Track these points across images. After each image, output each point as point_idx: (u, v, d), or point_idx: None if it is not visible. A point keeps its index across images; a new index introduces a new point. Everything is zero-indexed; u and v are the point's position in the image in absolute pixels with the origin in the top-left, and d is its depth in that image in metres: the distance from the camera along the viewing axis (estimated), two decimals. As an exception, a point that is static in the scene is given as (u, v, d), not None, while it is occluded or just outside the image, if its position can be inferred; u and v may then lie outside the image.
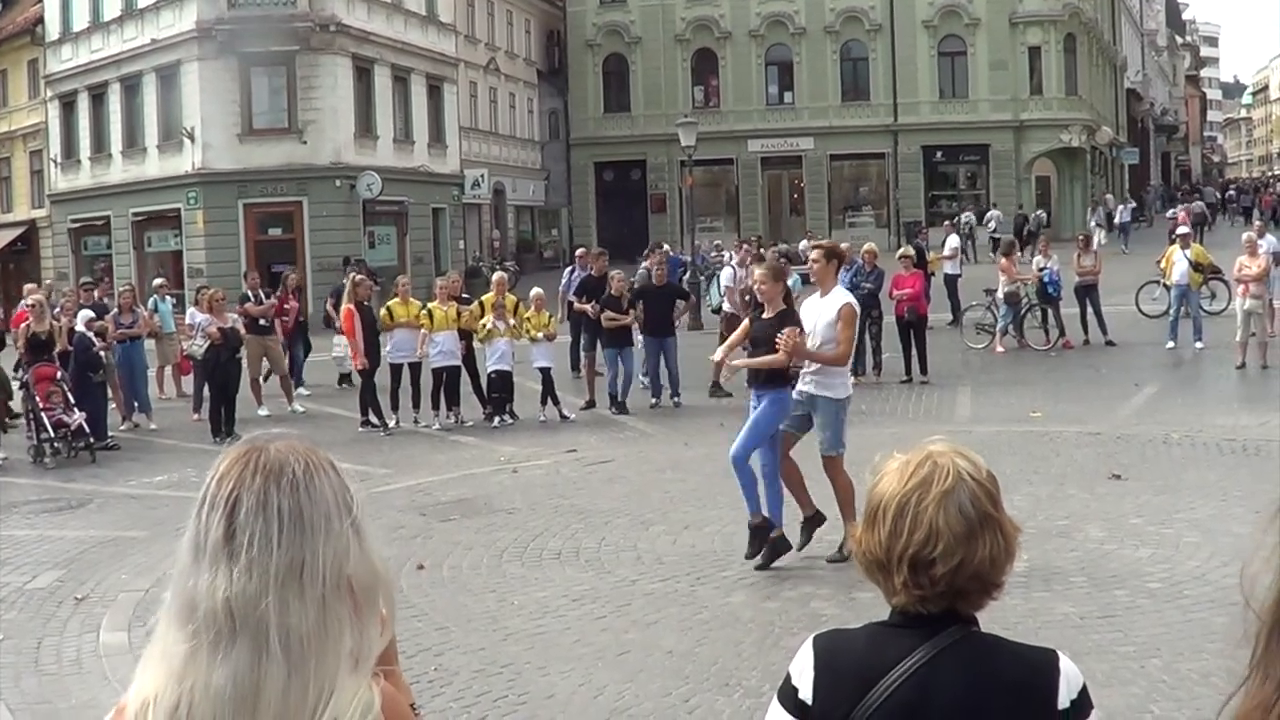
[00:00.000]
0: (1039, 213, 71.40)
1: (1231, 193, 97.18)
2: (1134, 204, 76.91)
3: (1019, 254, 34.86)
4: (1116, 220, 70.35)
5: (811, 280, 14.74)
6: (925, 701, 3.16)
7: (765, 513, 13.75)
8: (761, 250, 33.98)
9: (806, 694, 3.28)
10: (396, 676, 2.99)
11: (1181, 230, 35.05)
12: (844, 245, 29.23)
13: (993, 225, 64.29)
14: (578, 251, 33.25)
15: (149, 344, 28.54)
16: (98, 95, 59.73)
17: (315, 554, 2.67)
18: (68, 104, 61.52)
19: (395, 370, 24.65)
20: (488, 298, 25.05)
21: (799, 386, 13.95)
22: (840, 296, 14.18)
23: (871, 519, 3.32)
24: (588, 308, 26.28)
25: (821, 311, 13.96)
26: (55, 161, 62.13)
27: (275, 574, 2.64)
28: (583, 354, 26.98)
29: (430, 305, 24.83)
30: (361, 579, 2.73)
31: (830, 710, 3.23)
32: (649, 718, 9.57)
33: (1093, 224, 67.92)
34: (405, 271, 47.66)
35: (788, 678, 3.35)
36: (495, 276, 26.95)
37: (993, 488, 3.30)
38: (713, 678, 10.30)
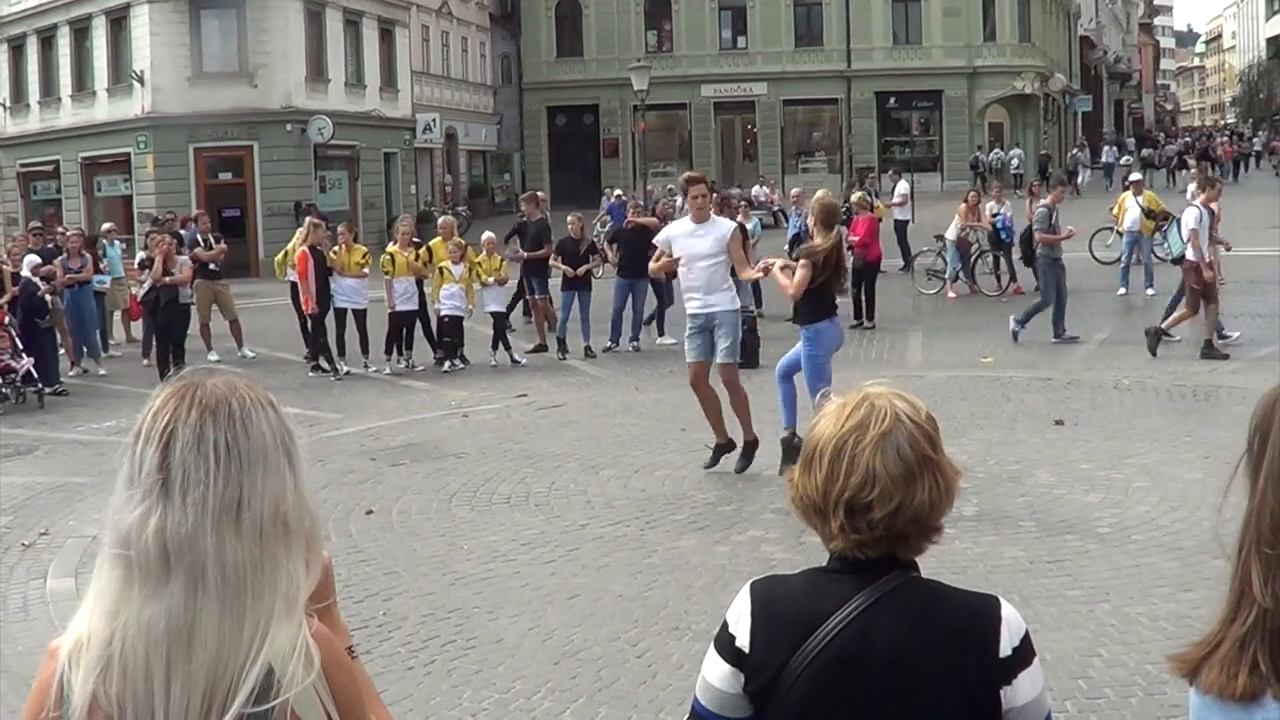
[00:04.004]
0: (1075, 152, 73.46)
1: (1187, 139, 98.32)
2: (1115, 147, 79.44)
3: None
4: (1104, 160, 73.75)
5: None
6: (864, 648, 3.12)
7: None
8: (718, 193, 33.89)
9: (744, 641, 3.24)
10: (334, 616, 2.97)
11: (1134, 177, 35.14)
12: (796, 191, 29.09)
13: (1015, 164, 65.54)
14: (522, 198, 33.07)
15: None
16: (47, 38, 59.10)
17: (253, 490, 2.66)
18: (16, 47, 60.90)
19: (340, 315, 24.50)
20: (436, 242, 24.99)
21: (693, 309, 14.91)
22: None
23: (808, 462, 3.27)
24: (524, 253, 26.89)
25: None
26: (4, 105, 61.45)
27: (211, 509, 2.62)
28: (534, 298, 26.79)
29: (390, 249, 24.77)
30: (296, 517, 2.70)
31: (768, 658, 3.19)
32: (598, 661, 9.57)
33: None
34: (356, 217, 47.66)
35: (724, 625, 3.31)
36: (441, 220, 26.96)
37: (932, 430, 3.24)
38: (662, 621, 10.31)
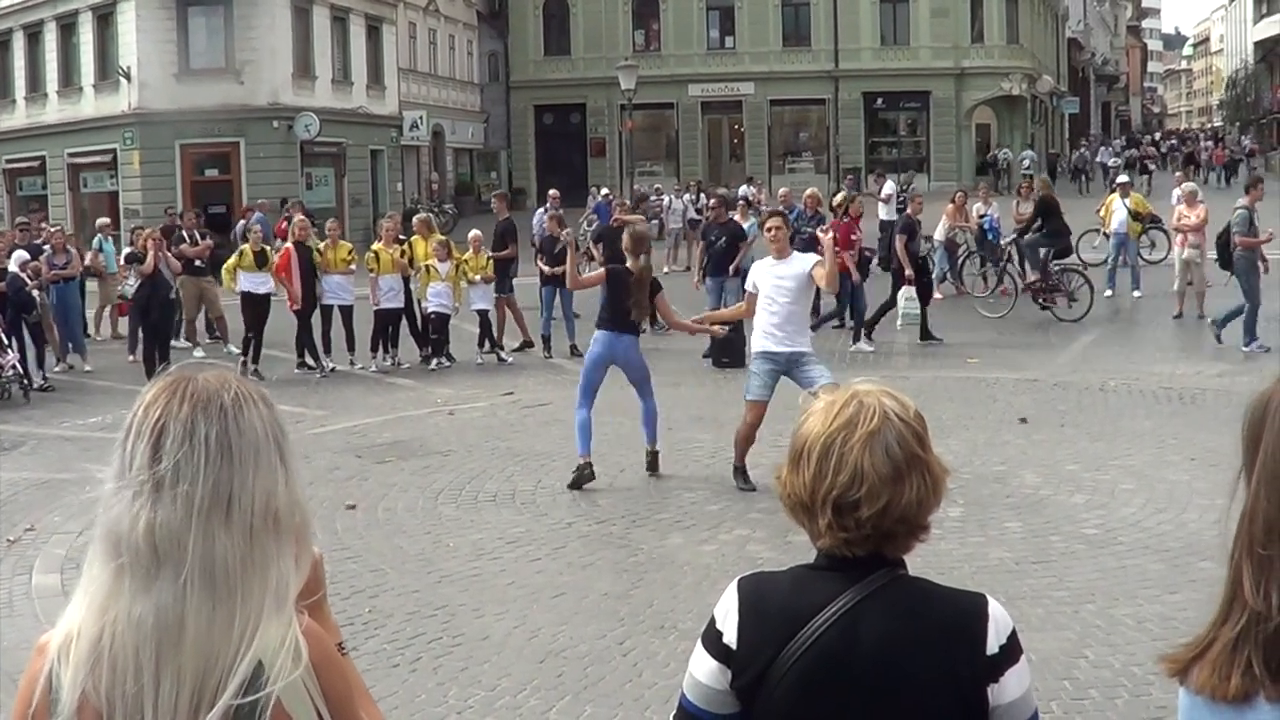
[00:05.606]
0: (1083, 151, 74.13)
1: (1174, 142, 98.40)
2: (1112, 149, 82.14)
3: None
4: (1099, 160, 75.17)
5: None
6: (851, 646, 3.12)
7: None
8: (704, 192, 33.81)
9: (731, 638, 3.24)
10: (324, 614, 2.96)
11: (1121, 179, 35.18)
12: (783, 190, 28.90)
13: (1026, 164, 65.70)
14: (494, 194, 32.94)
15: (90, 284, 28.48)
16: (33, 34, 58.83)
17: (243, 485, 2.65)
18: (2, 43, 60.61)
19: (326, 312, 24.47)
20: (414, 240, 24.97)
21: (771, 348, 14.33)
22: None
23: (796, 460, 3.26)
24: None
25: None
26: (-10, 101, 61.39)
27: (200, 504, 2.61)
28: (500, 296, 26.52)
29: (375, 247, 24.75)
30: (286, 513, 2.69)
31: (755, 654, 3.19)
32: (584, 659, 9.57)
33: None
34: (343, 214, 47.56)
35: (712, 621, 3.30)
36: (415, 219, 26.95)
37: (920, 428, 3.23)
38: (648, 620, 10.32)
